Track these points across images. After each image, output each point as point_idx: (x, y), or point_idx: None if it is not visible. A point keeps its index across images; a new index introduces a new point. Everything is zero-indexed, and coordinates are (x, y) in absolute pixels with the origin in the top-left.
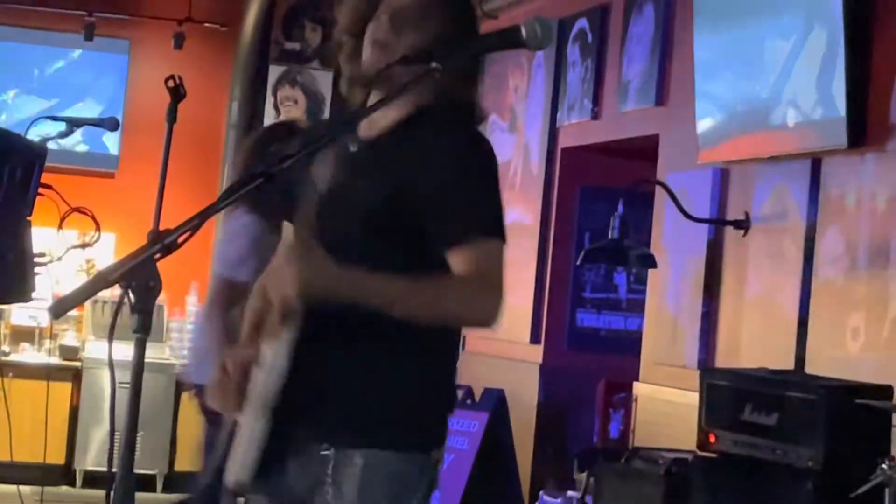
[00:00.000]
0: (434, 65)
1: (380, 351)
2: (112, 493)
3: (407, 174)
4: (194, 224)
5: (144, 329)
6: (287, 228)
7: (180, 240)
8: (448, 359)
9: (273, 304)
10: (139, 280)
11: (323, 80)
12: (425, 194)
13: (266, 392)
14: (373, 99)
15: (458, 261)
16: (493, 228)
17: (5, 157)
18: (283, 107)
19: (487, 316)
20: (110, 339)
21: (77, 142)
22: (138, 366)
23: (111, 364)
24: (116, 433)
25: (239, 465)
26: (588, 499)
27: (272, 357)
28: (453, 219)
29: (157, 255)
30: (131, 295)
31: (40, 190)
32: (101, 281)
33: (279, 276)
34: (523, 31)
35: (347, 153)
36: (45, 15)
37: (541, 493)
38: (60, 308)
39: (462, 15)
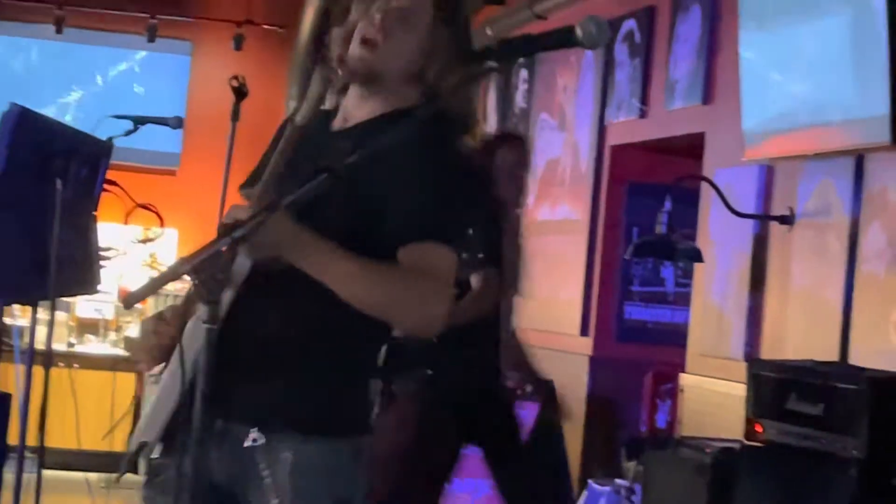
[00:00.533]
0: (492, 64)
1: (314, 330)
2: (179, 481)
3: (368, 167)
4: (261, 219)
5: (214, 320)
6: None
7: (248, 234)
8: (376, 346)
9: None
10: (209, 272)
11: None
12: (382, 190)
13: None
14: (353, 94)
15: (406, 258)
16: (447, 237)
17: (72, 155)
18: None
19: (427, 316)
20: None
21: (141, 140)
22: (209, 356)
23: (181, 354)
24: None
25: (146, 426)
26: (636, 487)
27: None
28: (408, 218)
29: (226, 248)
30: (200, 287)
31: (106, 186)
32: (171, 273)
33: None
34: (579, 31)
35: (318, 139)
36: (109, 17)
37: (589, 481)
38: (133, 300)
39: (453, 21)
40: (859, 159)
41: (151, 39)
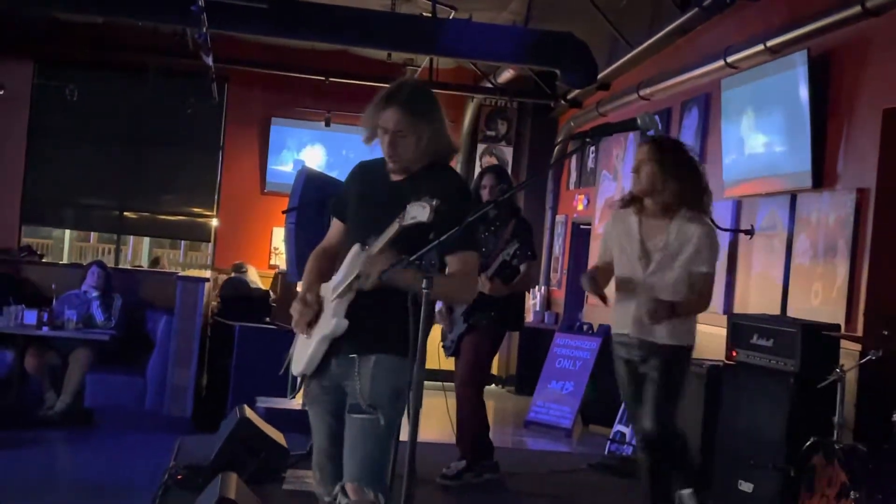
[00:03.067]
0: (588, 139)
1: (390, 304)
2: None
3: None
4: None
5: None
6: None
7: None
8: (417, 314)
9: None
10: (427, 262)
11: (507, 152)
12: (433, 222)
13: (331, 326)
14: (397, 168)
15: (454, 262)
16: (474, 245)
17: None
18: (484, 165)
19: (469, 296)
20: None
21: None
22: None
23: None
24: None
25: (306, 363)
26: None
27: (338, 306)
28: (453, 237)
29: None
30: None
31: None
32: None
33: (367, 262)
34: (639, 121)
35: (386, 186)
36: (353, 117)
37: None
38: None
39: (441, 124)
40: (793, 197)
41: (328, 125)
